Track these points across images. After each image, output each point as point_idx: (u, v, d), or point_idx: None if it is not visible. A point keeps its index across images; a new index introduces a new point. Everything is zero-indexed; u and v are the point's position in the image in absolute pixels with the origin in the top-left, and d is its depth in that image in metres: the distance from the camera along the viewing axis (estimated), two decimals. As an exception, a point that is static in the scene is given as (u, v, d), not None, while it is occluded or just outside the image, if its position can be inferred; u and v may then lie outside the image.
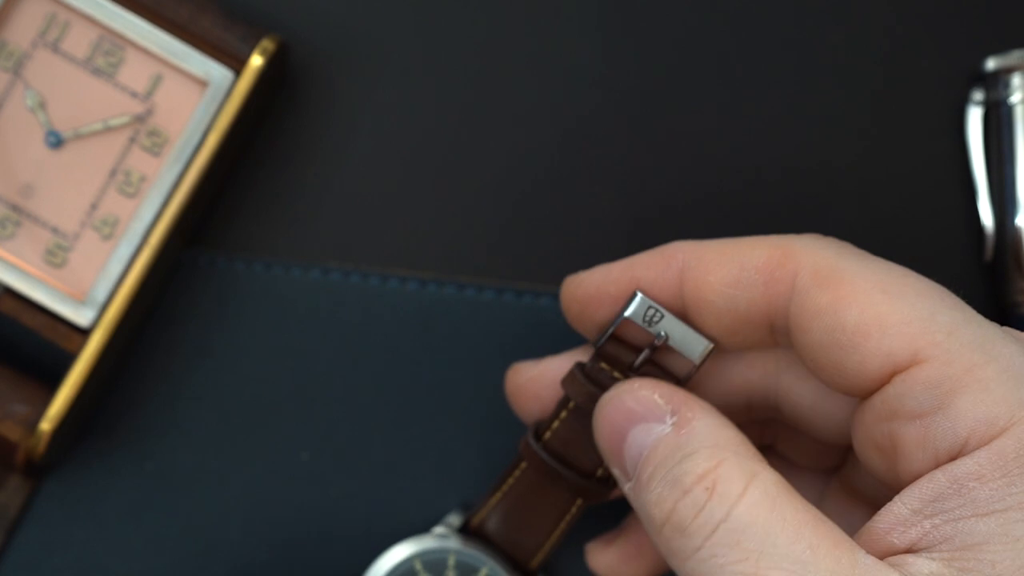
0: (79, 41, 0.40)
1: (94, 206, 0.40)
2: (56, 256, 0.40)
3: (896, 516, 0.30)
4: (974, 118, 0.43)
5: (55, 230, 0.40)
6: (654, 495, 0.31)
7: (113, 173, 0.40)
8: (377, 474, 0.42)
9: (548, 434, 0.36)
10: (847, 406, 0.35)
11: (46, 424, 0.39)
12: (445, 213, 0.43)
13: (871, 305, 0.31)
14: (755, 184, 0.43)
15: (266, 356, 0.42)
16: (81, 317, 0.39)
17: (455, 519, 0.40)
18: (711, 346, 0.34)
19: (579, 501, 0.37)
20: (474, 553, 0.38)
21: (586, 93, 0.43)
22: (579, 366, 0.36)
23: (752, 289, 0.33)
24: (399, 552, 0.39)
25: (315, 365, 0.42)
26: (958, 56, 0.43)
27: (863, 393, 0.32)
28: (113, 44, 0.40)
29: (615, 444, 0.33)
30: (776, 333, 0.34)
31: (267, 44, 0.40)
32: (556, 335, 0.40)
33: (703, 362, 0.34)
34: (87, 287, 0.40)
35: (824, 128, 0.43)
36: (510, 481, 0.38)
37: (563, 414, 0.36)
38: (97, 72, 0.40)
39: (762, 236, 0.34)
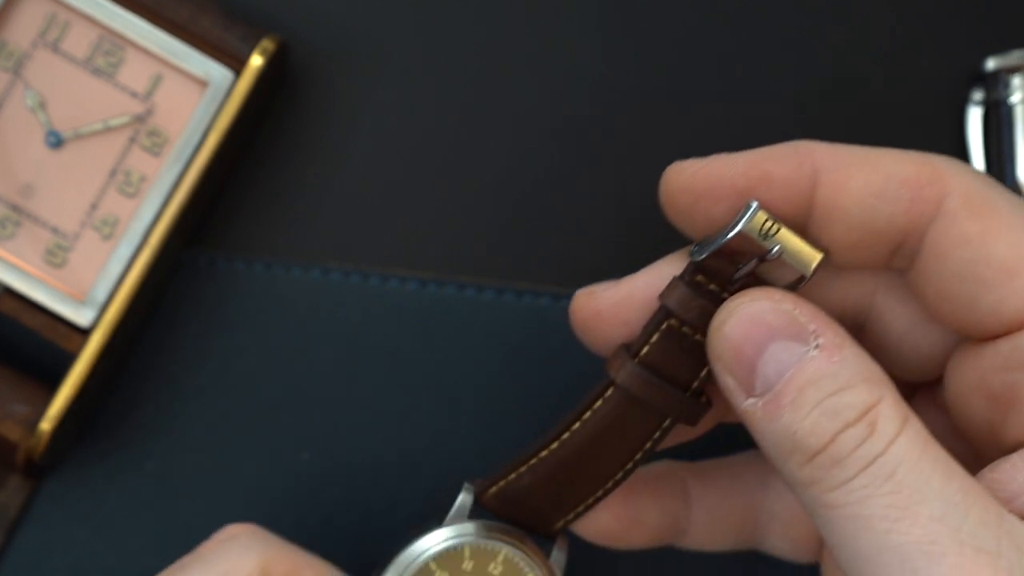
0: (79, 41, 0.40)
1: (94, 206, 0.40)
2: (56, 256, 0.40)
3: (1022, 485, 0.29)
4: (974, 118, 0.42)
5: (55, 230, 0.40)
6: (809, 422, 0.29)
7: (113, 173, 0.40)
8: (377, 474, 0.42)
9: (639, 357, 0.33)
10: (941, 341, 0.33)
11: (46, 424, 0.39)
12: (445, 213, 0.43)
13: (1022, 243, 0.30)
14: (755, 184, 0.43)
15: (266, 356, 0.42)
16: (81, 317, 0.39)
17: (468, 484, 0.37)
18: (822, 256, 0.31)
19: (656, 435, 0.34)
20: (490, 542, 0.37)
21: (586, 93, 0.43)
22: (679, 280, 0.32)
23: (896, 204, 0.31)
24: (410, 556, 0.36)
25: (315, 365, 0.42)
26: (958, 56, 0.43)
27: (986, 334, 0.30)
28: (113, 44, 0.40)
29: (747, 358, 0.30)
30: (899, 254, 0.32)
31: (267, 44, 0.40)
32: (557, 335, 0.40)
33: (813, 274, 0.32)
34: (87, 287, 0.40)
35: (824, 128, 0.43)
36: (575, 426, 0.34)
37: (655, 335, 0.32)
38: (97, 72, 0.40)
39: (900, 149, 0.32)
